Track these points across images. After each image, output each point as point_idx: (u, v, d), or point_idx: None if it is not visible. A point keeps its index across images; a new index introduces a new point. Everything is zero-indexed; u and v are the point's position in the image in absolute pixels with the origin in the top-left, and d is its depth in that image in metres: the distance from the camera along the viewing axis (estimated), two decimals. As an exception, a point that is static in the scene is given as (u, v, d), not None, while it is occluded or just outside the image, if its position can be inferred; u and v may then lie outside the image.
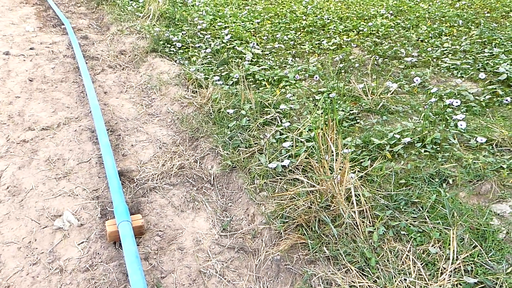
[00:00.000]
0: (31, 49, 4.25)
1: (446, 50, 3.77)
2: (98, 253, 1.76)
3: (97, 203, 2.04)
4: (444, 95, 2.85)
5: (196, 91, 3.04)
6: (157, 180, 2.22)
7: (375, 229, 1.75)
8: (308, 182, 1.97)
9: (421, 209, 1.86)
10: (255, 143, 2.35)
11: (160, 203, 2.06)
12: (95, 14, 5.86)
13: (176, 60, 3.74)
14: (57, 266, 1.69)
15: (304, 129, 2.47)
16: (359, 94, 2.92)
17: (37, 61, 3.94)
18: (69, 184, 2.18)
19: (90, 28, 5.14)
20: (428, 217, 1.77)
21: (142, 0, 5.78)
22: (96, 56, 4.06)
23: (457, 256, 1.55)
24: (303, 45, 4.17)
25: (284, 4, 6.01)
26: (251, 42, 4.13)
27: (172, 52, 3.91)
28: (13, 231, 1.87)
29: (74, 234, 1.86)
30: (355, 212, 1.80)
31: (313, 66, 3.59)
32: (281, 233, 1.76)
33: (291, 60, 3.79)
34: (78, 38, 4.51)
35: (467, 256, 1.55)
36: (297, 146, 2.29)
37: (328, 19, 4.93)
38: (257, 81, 3.29)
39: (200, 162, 2.36)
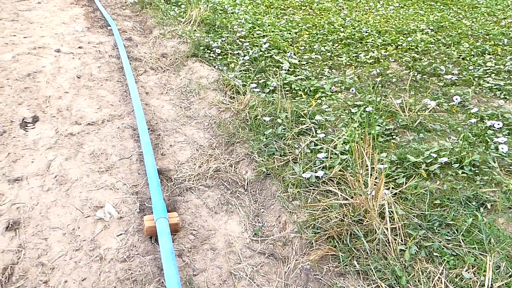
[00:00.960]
0: (79, 48, 4.47)
1: (489, 69, 3.70)
2: (135, 246, 1.85)
3: (136, 198, 2.14)
4: (486, 116, 2.80)
5: (234, 97, 3.12)
6: (193, 180, 2.29)
7: (407, 247, 1.75)
8: (341, 195, 1.99)
9: (455, 232, 1.84)
10: (289, 152, 2.40)
11: (195, 203, 2.14)
12: (139, 17, 6.09)
13: (215, 66, 3.84)
14: (97, 254, 1.79)
15: (339, 141, 2.49)
16: (396, 110, 2.91)
17: (85, 59, 4.14)
18: (110, 178, 2.30)
19: (134, 30, 5.35)
20: (463, 241, 1.75)
21: (184, 6, 5.97)
22: (139, 57, 4.23)
23: (492, 284, 1.53)
24: (340, 57, 4.19)
25: (322, 15, 6.05)
26: (288, 52, 4.19)
27: (211, 58, 4.02)
28: (59, 217, 1.98)
29: (114, 226, 1.95)
30: (387, 228, 1.80)
31: (350, 78, 3.60)
32: (312, 243, 1.79)
33: (328, 72, 3.82)
34: (123, 40, 4.70)
35: (503, 285, 1.53)
36: (331, 158, 2.31)
37: (366, 32, 4.93)
38: (293, 91, 3.34)
39: (235, 167, 2.42)
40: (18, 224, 1.93)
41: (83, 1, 6.96)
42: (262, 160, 2.33)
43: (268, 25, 5.08)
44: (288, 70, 3.72)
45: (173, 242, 1.84)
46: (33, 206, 2.06)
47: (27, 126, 2.84)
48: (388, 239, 1.78)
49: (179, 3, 6.20)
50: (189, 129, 2.88)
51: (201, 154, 2.56)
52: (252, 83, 3.34)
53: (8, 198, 2.11)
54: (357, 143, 2.15)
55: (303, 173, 2.19)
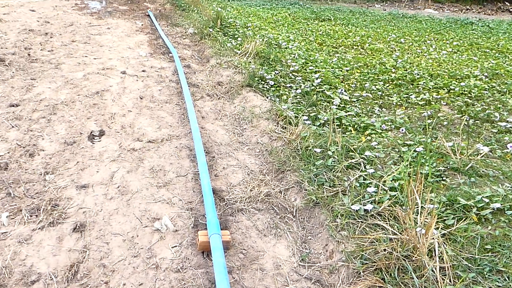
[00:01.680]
0: (143, 71, 4.82)
1: (546, 120, 3.61)
2: (188, 258, 1.95)
3: (191, 214, 2.27)
4: (542, 166, 2.74)
5: (286, 127, 3.24)
6: (244, 202, 2.40)
7: (456, 288, 1.74)
8: (390, 230, 2.02)
9: (507, 279, 1.81)
10: (339, 184, 2.46)
11: (245, 224, 2.23)
12: (197, 46, 6.47)
13: (268, 97, 4.01)
14: (154, 262, 1.91)
15: (389, 178, 2.53)
16: (447, 152, 2.91)
17: (147, 82, 4.46)
18: (167, 193, 2.45)
19: (193, 59, 5.69)
20: (515, 288, 1.72)
21: (240, 39, 6.29)
22: (197, 84, 4.49)
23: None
24: (391, 97, 4.24)
25: (373, 55, 6.15)
26: (339, 88, 4.30)
27: (265, 89, 4.20)
28: (120, 224, 2.14)
29: (169, 238, 2.08)
30: (436, 267, 1.81)
31: (400, 118, 3.64)
32: (359, 273, 1.82)
33: (378, 110, 3.88)
34: (182, 66, 5.02)
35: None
36: (380, 193, 2.35)
37: (418, 75, 4.96)
38: (343, 126, 3.42)
39: (284, 193, 2.51)
40: (84, 227, 2.11)
41: (147, 29, 7.51)
42: (312, 189, 2.41)
43: (321, 62, 5.24)
44: (339, 106, 3.82)
45: (224, 258, 1.93)
46: (97, 212, 2.24)
47: (94, 138, 3.09)
48: (436, 278, 1.78)
49: (235, 36, 6.54)
50: (241, 154, 3.01)
51: (252, 178, 2.67)
52: (303, 115, 3.46)
53: (76, 202, 2.30)
54: (407, 181, 2.19)
55: (352, 204, 2.23)
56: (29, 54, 5.07)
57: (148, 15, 8.98)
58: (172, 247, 2.02)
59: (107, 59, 5.25)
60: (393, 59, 5.78)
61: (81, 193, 2.38)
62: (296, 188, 2.51)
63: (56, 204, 2.25)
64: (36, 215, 2.15)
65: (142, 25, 7.89)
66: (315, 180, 2.50)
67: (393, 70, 5.14)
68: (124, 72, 4.69)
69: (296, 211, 2.36)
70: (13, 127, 3.15)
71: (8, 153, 2.76)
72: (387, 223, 2.09)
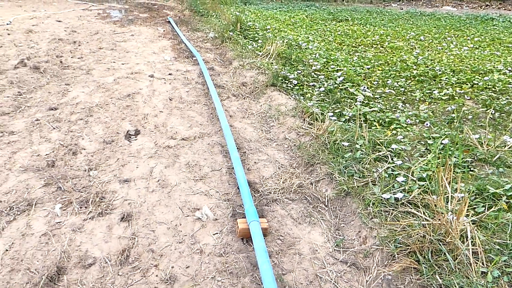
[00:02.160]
0: (169, 74, 5.00)
1: None
2: (229, 244, 2.07)
3: (228, 204, 2.39)
4: None
5: (312, 123, 3.34)
6: (278, 193, 2.51)
7: (489, 271, 1.81)
8: (421, 216, 2.09)
9: (540, 262, 1.86)
10: (368, 175, 2.54)
11: (280, 213, 2.34)
12: (219, 50, 6.64)
13: (292, 95, 4.12)
14: (198, 248, 2.04)
15: (416, 169, 2.60)
16: (473, 144, 2.96)
17: (175, 84, 4.63)
18: (204, 186, 2.58)
19: (215, 61, 5.85)
20: (548, 269, 1.78)
21: (261, 41, 6.43)
22: (222, 85, 4.64)
23: None
24: (414, 93, 4.30)
25: (394, 53, 6.20)
26: (362, 86, 4.38)
27: (288, 88, 4.31)
28: (163, 214, 2.28)
29: (210, 226, 2.21)
30: (468, 250, 1.88)
31: (424, 113, 3.70)
32: (394, 256, 1.90)
33: (401, 106, 3.94)
34: (207, 69, 5.18)
35: None
36: (409, 183, 2.42)
37: (440, 71, 4.99)
38: (368, 121, 3.50)
39: (315, 185, 2.61)
40: (130, 217, 2.25)
41: (168, 35, 7.73)
42: (342, 180, 2.50)
43: (341, 60, 5.33)
44: (363, 102, 3.90)
45: (263, 244, 2.04)
46: (141, 203, 2.38)
47: (130, 137, 3.26)
48: (469, 261, 1.85)
49: (256, 38, 6.69)
50: (270, 150, 3.13)
51: (283, 171, 2.78)
52: (328, 112, 3.56)
53: (120, 195, 2.46)
54: (438, 168, 2.26)
55: (382, 194, 2.32)
56: (61, 62, 5.31)
57: (169, 22, 9.23)
58: (213, 234, 2.14)
59: (134, 64, 5.45)
60: (414, 56, 5.82)
61: (124, 187, 2.54)
62: (327, 179, 2.61)
63: (103, 197, 2.41)
64: (86, 207, 2.31)
65: (163, 31, 8.12)
66: (344, 172, 2.59)
67: (415, 67, 5.19)
68: (152, 75, 4.88)
69: (328, 201, 2.46)
70: (54, 128, 3.34)
71: (53, 152, 2.94)
72: (418, 210, 2.17)
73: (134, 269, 1.89)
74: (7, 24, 7.61)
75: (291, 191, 2.54)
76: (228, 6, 11.35)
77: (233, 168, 2.75)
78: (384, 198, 2.30)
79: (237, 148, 3.10)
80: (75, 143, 3.08)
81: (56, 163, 2.78)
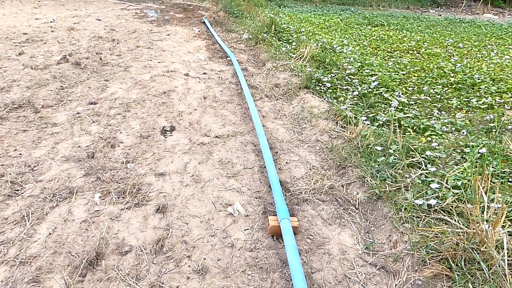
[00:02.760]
0: (204, 73, 5.11)
1: None
2: (259, 240, 2.11)
3: (259, 202, 2.43)
4: None
5: (345, 127, 3.34)
6: (309, 194, 2.53)
7: (524, 282, 1.76)
8: (456, 224, 2.06)
9: None
10: (401, 180, 2.52)
11: (310, 213, 2.36)
12: (252, 51, 6.71)
13: (325, 98, 4.12)
14: (229, 242, 2.09)
15: (451, 176, 2.56)
16: (512, 154, 2.88)
17: (209, 83, 4.72)
18: (236, 183, 2.64)
19: (249, 62, 5.92)
20: None
21: (295, 43, 6.45)
22: (255, 85, 4.70)
23: None
24: (450, 100, 4.21)
25: (430, 60, 6.08)
26: (396, 91, 4.33)
27: (322, 91, 4.32)
28: (196, 208, 2.35)
29: (241, 222, 2.25)
30: (504, 261, 1.84)
31: (461, 121, 3.62)
32: (425, 262, 1.89)
33: (437, 113, 3.87)
34: (240, 69, 5.25)
35: None
36: (443, 190, 2.39)
37: (479, 79, 4.86)
38: (402, 127, 3.46)
39: (346, 187, 2.61)
40: (165, 208, 2.33)
41: (203, 35, 7.88)
42: (374, 183, 2.49)
43: (376, 65, 5.28)
44: (397, 108, 3.85)
45: (293, 242, 2.07)
46: (175, 196, 2.46)
47: (166, 133, 3.36)
48: (504, 272, 1.81)
49: (289, 41, 6.72)
50: (302, 151, 3.15)
51: (315, 173, 2.80)
52: (362, 116, 3.54)
53: (156, 188, 2.55)
54: (474, 177, 2.22)
55: (415, 199, 2.30)
56: (100, 58, 5.52)
57: (203, 22, 9.39)
58: (244, 230, 2.19)
59: (170, 62, 5.60)
60: (452, 64, 5.69)
61: (159, 180, 2.63)
62: (358, 182, 2.61)
63: (140, 189, 2.50)
64: (123, 197, 2.41)
65: (199, 31, 8.28)
66: (377, 176, 2.58)
67: (452, 74, 5.07)
68: (187, 74, 5.00)
69: (358, 203, 2.45)
70: (94, 122, 3.49)
71: (93, 144, 3.08)
72: (451, 218, 2.14)
73: (168, 258, 1.96)
74: (51, 22, 7.97)
75: (322, 192, 2.55)
76: (262, 8, 11.44)
77: (265, 167, 2.79)
78: (417, 204, 2.28)
79: (270, 147, 3.14)
80: (113, 137, 3.21)
81: (96, 155, 2.90)
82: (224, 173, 2.74)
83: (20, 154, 2.88)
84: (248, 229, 2.20)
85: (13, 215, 2.20)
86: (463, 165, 2.71)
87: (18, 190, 2.43)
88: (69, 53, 5.58)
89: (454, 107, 4.05)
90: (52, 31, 7.07)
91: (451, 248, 1.90)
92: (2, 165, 2.69)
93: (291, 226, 2.07)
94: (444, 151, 2.98)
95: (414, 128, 3.46)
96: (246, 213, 2.31)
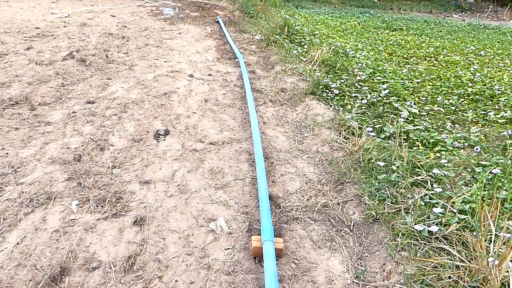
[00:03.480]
0: (209, 75, 4.96)
1: None
2: (240, 262, 1.94)
3: (245, 218, 2.26)
4: None
5: (348, 138, 3.14)
6: (300, 211, 2.35)
7: (532, 329, 1.55)
8: (457, 256, 1.85)
9: None
10: (402, 201, 2.31)
11: (300, 234, 2.18)
12: (263, 53, 6.54)
13: (331, 105, 3.92)
14: (206, 263, 1.92)
15: (458, 199, 2.33)
16: (529, 177, 2.62)
17: (212, 85, 4.57)
18: (224, 195, 2.47)
19: (258, 65, 5.75)
20: None
21: (306, 46, 6.25)
22: (260, 89, 4.52)
23: None
24: (466, 113, 3.95)
25: (448, 67, 5.79)
26: (408, 101, 4.09)
27: (329, 98, 4.11)
28: (177, 222, 2.19)
29: (223, 239, 2.09)
30: (510, 303, 1.62)
31: (475, 136, 3.36)
32: (419, 299, 1.69)
33: (450, 126, 3.62)
34: (247, 72, 5.09)
35: None
36: (447, 215, 2.17)
37: (499, 90, 4.57)
38: (411, 140, 3.23)
39: (342, 206, 2.42)
40: (143, 221, 2.19)
41: (215, 35, 7.75)
42: (372, 204, 2.29)
43: (389, 72, 5.03)
44: (407, 119, 3.62)
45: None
46: (157, 207, 2.31)
47: (159, 137, 3.22)
48: (510, 316, 1.59)
49: (302, 43, 6.52)
50: (300, 162, 2.97)
51: (310, 187, 2.61)
52: (368, 126, 3.33)
53: (138, 197, 2.40)
54: (481, 204, 2.00)
55: (415, 224, 2.09)
56: (107, 56, 5.44)
57: (218, 21, 9.27)
58: (225, 249, 2.02)
59: (176, 62, 5.48)
60: (471, 73, 5.39)
61: (143, 188, 2.48)
62: (355, 201, 2.41)
63: (120, 197, 2.36)
64: (102, 206, 2.28)
65: (211, 30, 8.15)
66: (376, 195, 2.38)
67: (470, 84, 4.79)
68: (191, 75, 4.86)
69: (353, 225, 2.26)
70: (88, 122, 3.38)
71: (82, 146, 2.96)
72: (453, 248, 1.93)
73: (137, 278, 1.81)
74: (65, 17, 7.98)
75: (314, 210, 2.36)
76: (278, 9, 11.25)
77: (257, 179, 2.62)
78: (416, 230, 2.06)
79: (266, 157, 2.97)
80: (104, 139, 3.09)
81: (83, 158, 2.78)
82: (212, 184, 2.58)
83: (7, 153, 2.79)
84: (229, 248, 2.04)
85: (-17, 221, 2.09)
86: (472, 187, 2.48)
87: (-6, 194, 2.32)
88: (77, 49, 5.52)
89: (469, 120, 3.79)
90: (65, 26, 7.05)
91: (449, 285, 1.69)
92: (-16, 165, 2.60)
93: (274, 249, 1.89)
94: (453, 170, 2.74)
95: (424, 142, 3.23)
96: (229, 230, 2.15)
